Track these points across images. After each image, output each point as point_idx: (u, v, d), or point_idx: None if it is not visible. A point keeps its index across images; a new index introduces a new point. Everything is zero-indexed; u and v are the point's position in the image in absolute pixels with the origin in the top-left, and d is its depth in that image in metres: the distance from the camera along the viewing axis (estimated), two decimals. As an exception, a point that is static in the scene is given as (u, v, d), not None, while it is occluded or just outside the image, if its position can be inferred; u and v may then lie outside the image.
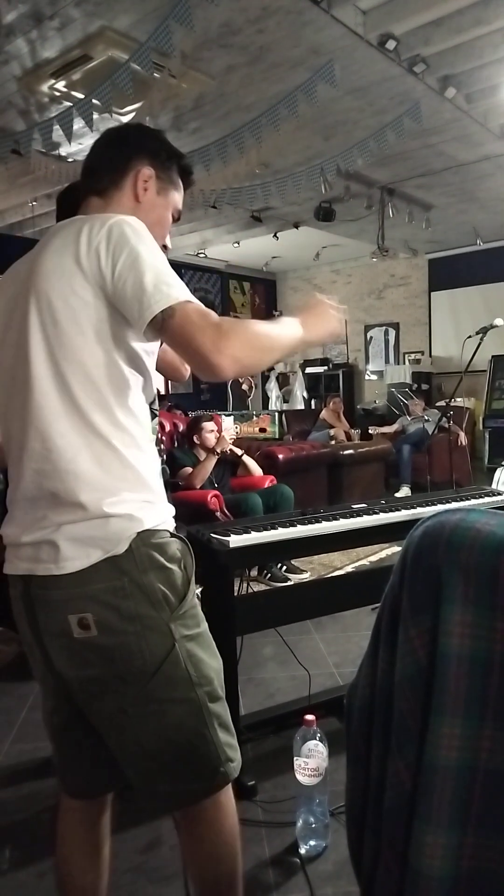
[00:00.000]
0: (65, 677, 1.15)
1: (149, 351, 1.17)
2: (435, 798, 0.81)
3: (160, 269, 1.06)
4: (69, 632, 1.08)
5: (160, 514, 1.14)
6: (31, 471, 1.11)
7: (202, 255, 9.40)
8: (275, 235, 8.16)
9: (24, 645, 1.22)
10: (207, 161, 5.38)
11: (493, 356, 8.37)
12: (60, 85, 4.40)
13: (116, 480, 1.09)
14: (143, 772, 1.14)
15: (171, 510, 1.19)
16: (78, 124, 4.49)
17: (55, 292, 1.09)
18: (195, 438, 4.19)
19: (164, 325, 1.04)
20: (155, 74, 4.20)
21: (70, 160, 5.43)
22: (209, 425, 4.16)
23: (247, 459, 4.38)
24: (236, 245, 8.67)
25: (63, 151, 5.33)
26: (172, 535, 1.16)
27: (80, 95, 4.42)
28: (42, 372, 1.09)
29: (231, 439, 4.28)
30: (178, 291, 1.06)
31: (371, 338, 10.42)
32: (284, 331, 1.18)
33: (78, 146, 5.10)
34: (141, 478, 1.12)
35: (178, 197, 1.31)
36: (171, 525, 1.17)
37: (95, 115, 4.40)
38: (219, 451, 4.08)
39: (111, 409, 1.10)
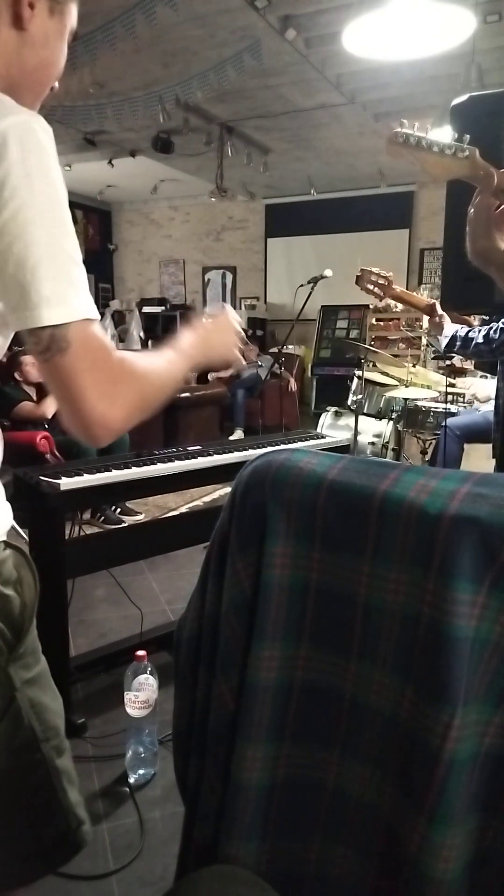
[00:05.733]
0: None
1: None
2: (255, 716, 0.87)
3: (67, 252, 0.74)
4: None
5: None
6: None
7: (29, 177, 8.70)
8: (110, 162, 7.75)
9: None
10: (35, 72, 4.92)
11: (322, 306, 8.72)
12: None
13: None
14: None
15: (6, 510, 0.89)
16: None
17: None
18: (16, 374, 3.96)
19: (47, 349, 0.74)
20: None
21: None
22: (29, 358, 3.97)
23: (79, 400, 4.22)
24: (68, 168, 8.12)
25: None
26: (6, 546, 0.88)
27: None
28: None
29: None
30: (81, 300, 0.75)
31: (209, 280, 10.38)
32: (178, 370, 0.92)
33: None
34: None
35: (74, 10, 0.89)
36: (4, 528, 0.88)
37: None
38: None
39: None
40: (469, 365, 4.99)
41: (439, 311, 2.25)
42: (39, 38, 0.84)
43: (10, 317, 0.75)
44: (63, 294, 0.73)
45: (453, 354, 3.71)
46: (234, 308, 8.90)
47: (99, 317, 0.79)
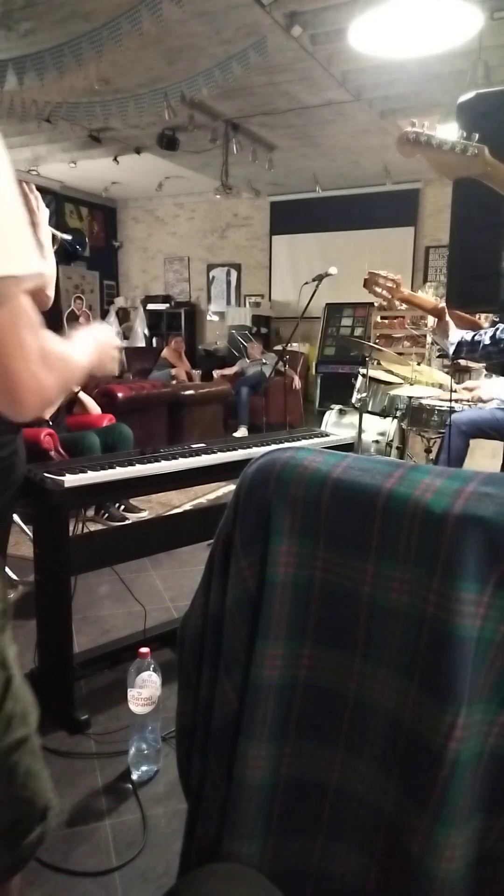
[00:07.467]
0: None
1: None
2: (258, 714, 0.87)
3: (15, 211, 0.72)
4: None
5: None
6: None
7: (34, 173, 8.69)
8: (115, 159, 7.74)
9: None
10: (41, 69, 4.91)
11: (326, 304, 8.70)
12: None
13: None
14: None
15: None
16: None
17: None
18: None
19: None
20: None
21: None
22: None
23: (83, 397, 4.23)
24: (73, 165, 8.12)
25: None
26: None
27: None
28: None
29: None
30: (25, 255, 0.73)
31: (213, 277, 10.37)
32: (81, 362, 0.94)
33: None
34: None
35: None
36: None
37: None
38: None
39: None
40: (474, 364, 4.98)
41: (447, 317, 2.24)
42: None
43: None
44: (8, 250, 0.71)
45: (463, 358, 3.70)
46: (239, 306, 8.80)
47: (34, 271, 0.75)
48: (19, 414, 0.76)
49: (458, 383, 4.23)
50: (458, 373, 4.65)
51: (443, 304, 2.31)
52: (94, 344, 1.02)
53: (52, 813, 0.97)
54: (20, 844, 0.93)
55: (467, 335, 2.18)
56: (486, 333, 2.14)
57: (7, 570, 3.02)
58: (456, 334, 2.20)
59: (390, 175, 8.11)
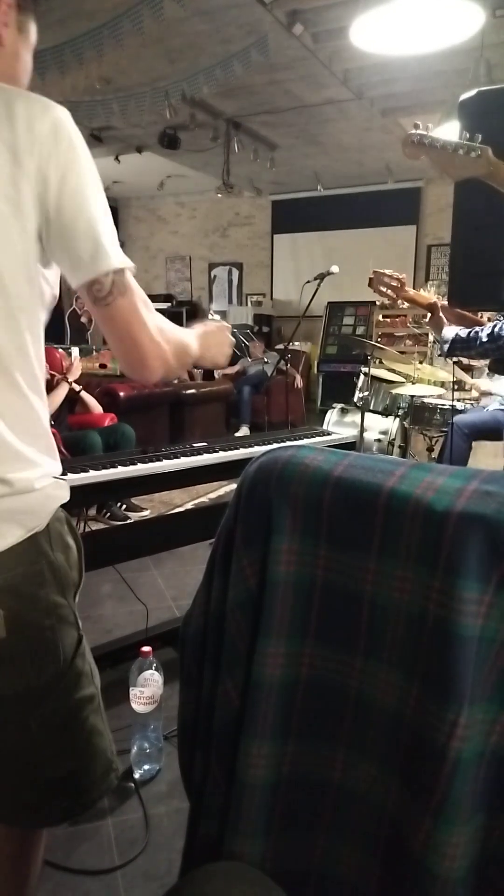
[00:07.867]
0: None
1: None
2: (260, 713, 0.87)
3: (109, 211, 0.89)
4: None
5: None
6: None
7: (36, 174, 8.70)
8: (116, 158, 7.74)
9: None
10: (42, 69, 4.91)
11: (328, 302, 8.69)
12: None
13: (40, 450, 0.94)
14: (40, 791, 0.98)
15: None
16: None
17: None
18: None
19: (109, 293, 0.86)
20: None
21: None
22: None
23: (85, 396, 4.23)
24: (74, 166, 8.13)
25: None
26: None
27: None
28: None
29: (79, 371, 4.13)
30: (119, 250, 0.90)
31: (215, 276, 10.37)
32: (193, 345, 1.05)
33: None
34: (53, 441, 0.98)
35: (35, 28, 0.99)
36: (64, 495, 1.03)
37: None
38: (71, 379, 3.96)
39: (31, 358, 0.89)
40: (476, 363, 4.97)
41: (439, 312, 2.21)
42: (10, 52, 0.95)
43: (84, 267, 0.86)
44: (116, 245, 0.89)
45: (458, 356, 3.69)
46: (241, 305, 8.79)
47: (131, 263, 0.91)
48: (148, 378, 0.93)
49: (457, 384, 4.22)
50: (462, 370, 4.64)
51: (435, 299, 2.29)
52: (204, 331, 1.12)
53: (113, 774, 1.06)
54: (80, 793, 1.01)
55: (462, 332, 2.15)
56: (482, 330, 2.11)
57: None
58: (450, 331, 2.17)
59: (392, 173, 8.10)
